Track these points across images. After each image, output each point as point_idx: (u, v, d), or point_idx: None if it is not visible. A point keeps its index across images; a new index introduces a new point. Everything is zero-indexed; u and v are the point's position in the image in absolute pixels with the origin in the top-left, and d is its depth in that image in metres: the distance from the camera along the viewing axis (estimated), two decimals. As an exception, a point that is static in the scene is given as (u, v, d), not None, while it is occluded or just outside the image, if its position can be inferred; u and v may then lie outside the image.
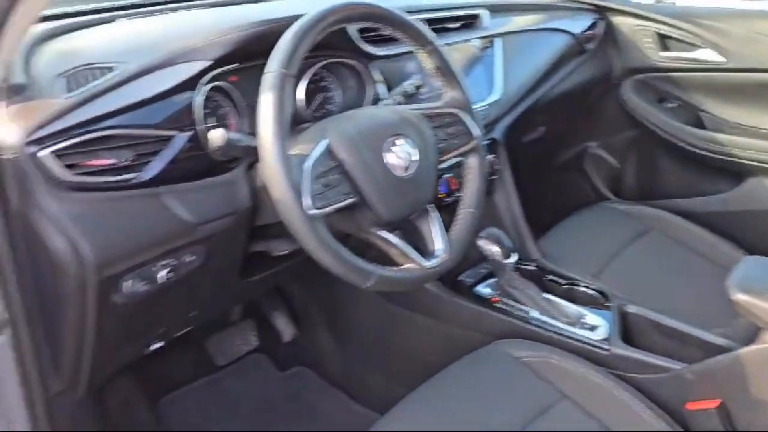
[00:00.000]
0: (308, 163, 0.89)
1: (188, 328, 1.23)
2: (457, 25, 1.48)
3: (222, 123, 1.07)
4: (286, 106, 0.88)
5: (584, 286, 1.37)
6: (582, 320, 1.29)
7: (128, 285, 0.95)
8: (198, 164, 1.01)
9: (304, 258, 1.25)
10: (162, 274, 0.98)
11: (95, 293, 0.91)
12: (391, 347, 1.53)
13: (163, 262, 0.98)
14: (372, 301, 1.53)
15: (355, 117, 1.01)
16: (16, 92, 0.90)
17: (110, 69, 0.96)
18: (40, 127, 0.86)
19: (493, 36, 1.57)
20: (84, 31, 1.11)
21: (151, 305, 1.03)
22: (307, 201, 0.86)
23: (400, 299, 1.47)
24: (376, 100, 1.25)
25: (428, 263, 1.00)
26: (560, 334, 1.26)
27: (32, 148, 0.85)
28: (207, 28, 1.06)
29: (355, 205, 0.94)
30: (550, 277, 1.42)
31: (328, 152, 0.93)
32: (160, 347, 1.19)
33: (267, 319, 1.67)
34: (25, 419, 1.09)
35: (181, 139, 0.97)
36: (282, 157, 0.86)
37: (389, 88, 1.27)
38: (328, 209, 0.89)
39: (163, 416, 1.48)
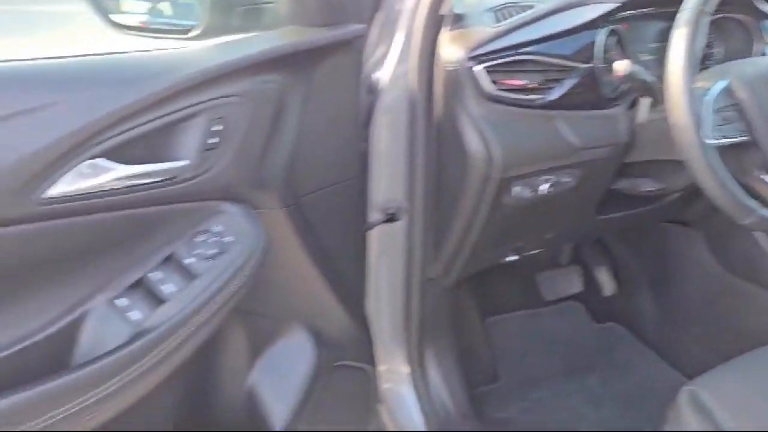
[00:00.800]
0: (709, 97, 0.95)
1: (538, 250, 1.38)
2: None
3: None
4: (698, 40, 0.94)
5: None
6: None
7: (517, 190, 1.12)
8: (587, 97, 1.13)
9: (660, 204, 1.31)
10: (543, 187, 1.13)
11: (493, 191, 1.09)
12: (723, 319, 1.50)
13: (546, 177, 1.13)
14: (708, 269, 1.51)
15: (758, 62, 1.04)
16: (457, 21, 1.12)
17: (530, 6, 1.13)
18: (476, 47, 1.06)
19: None
20: None
21: (525, 215, 1.19)
22: (704, 130, 0.93)
23: (745, 271, 1.43)
24: (762, 59, 1.24)
25: (815, 215, 0.98)
26: None
27: (470, 63, 1.05)
28: None
29: (745, 145, 0.97)
30: None
31: (727, 91, 0.97)
32: (514, 260, 1.35)
33: (590, 270, 1.75)
34: (400, 296, 1.34)
35: (580, 71, 1.10)
36: (688, 86, 0.93)
37: (778, 48, 1.25)
38: (721, 141, 0.94)
39: (488, 334, 1.67)
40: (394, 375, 1.36)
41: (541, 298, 1.74)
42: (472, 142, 1.07)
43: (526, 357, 1.67)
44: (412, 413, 1.35)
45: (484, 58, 1.06)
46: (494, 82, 1.06)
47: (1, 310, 0.75)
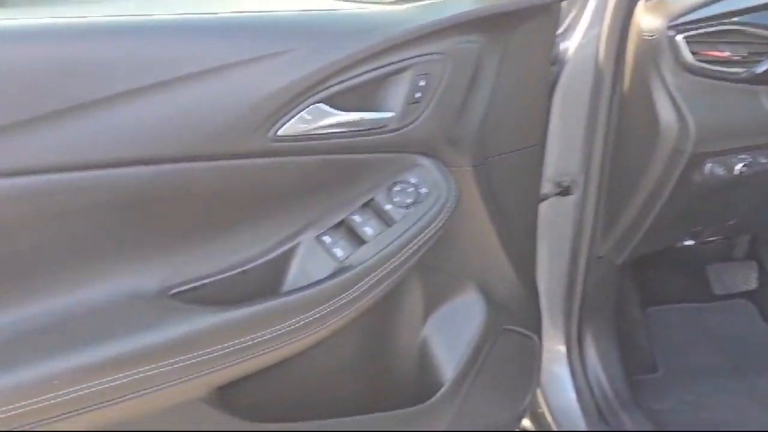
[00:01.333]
0: None
1: (716, 237, 1.31)
2: None
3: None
4: None
5: None
6: None
7: (709, 167, 1.08)
8: None
9: None
10: (738, 167, 1.08)
11: (683, 166, 1.06)
12: None
13: (742, 156, 1.08)
14: None
15: None
16: (656, -11, 1.08)
17: (738, -25, 1.07)
18: (678, 16, 1.03)
19: None
20: None
21: (713, 196, 1.13)
22: None
23: None
24: None
25: None
26: None
27: (670, 33, 1.03)
28: None
29: None
30: None
31: None
32: (686, 247, 1.30)
33: (766, 267, 1.63)
34: (563, 272, 1.33)
35: None
36: None
37: None
38: None
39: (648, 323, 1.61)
40: (550, 353, 1.35)
41: (709, 291, 1.65)
42: (666, 112, 1.04)
43: (688, 350, 1.59)
44: (568, 393, 1.34)
45: (686, 27, 1.03)
46: (694, 53, 1.03)
47: (229, 236, 0.84)
